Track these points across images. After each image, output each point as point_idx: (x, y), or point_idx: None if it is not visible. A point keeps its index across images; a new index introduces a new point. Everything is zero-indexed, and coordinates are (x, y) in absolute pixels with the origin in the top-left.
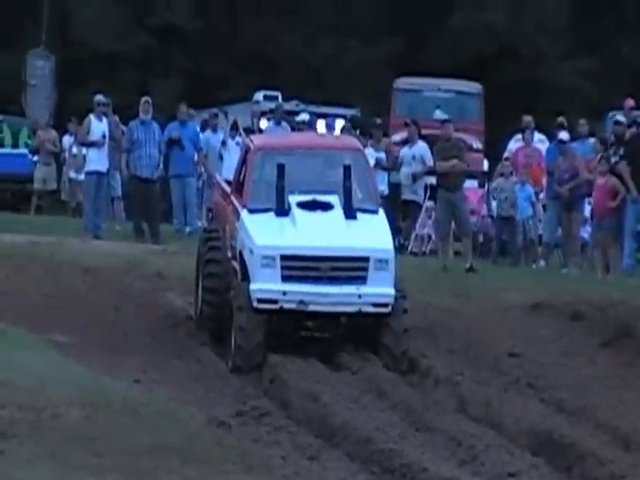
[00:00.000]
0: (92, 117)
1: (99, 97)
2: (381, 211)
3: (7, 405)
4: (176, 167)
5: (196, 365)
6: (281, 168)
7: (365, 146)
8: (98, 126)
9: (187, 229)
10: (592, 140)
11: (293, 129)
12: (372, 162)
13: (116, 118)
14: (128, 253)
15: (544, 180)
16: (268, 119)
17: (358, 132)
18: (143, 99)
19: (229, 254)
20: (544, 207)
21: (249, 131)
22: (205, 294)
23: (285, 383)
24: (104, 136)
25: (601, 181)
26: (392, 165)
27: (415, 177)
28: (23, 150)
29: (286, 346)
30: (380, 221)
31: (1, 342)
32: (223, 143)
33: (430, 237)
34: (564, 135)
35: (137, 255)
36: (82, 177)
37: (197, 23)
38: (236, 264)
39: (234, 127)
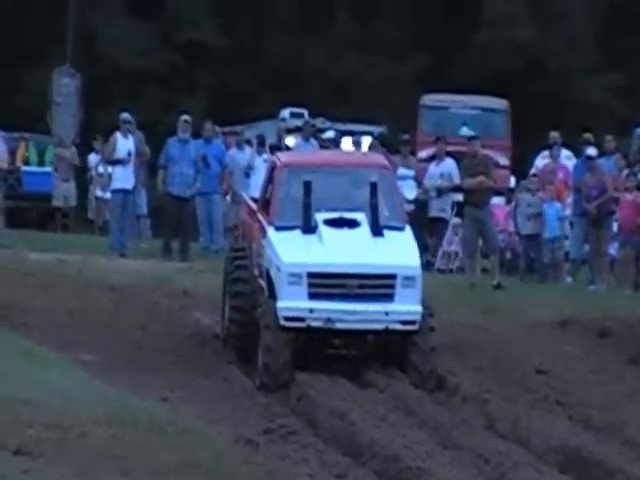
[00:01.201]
0: (118, 134)
1: (125, 115)
2: (408, 228)
3: (34, 424)
4: (202, 185)
5: (223, 383)
6: (308, 185)
7: (393, 164)
8: (124, 143)
9: (213, 247)
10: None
11: (319, 146)
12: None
13: (141, 135)
14: (154, 271)
15: (568, 196)
16: (294, 136)
17: (386, 149)
18: (182, 118)
19: (256, 272)
20: (570, 224)
21: (275, 148)
22: (232, 313)
23: (312, 401)
24: (130, 153)
25: (629, 197)
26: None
27: (440, 191)
28: (49, 168)
29: (313, 364)
30: (407, 238)
31: (28, 361)
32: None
33: (457, 254)
34: (592, 151)
35: (163, 273)
36: (108, 195)
37: (223, 40)
38: (263, 282)
39: (261, 144)
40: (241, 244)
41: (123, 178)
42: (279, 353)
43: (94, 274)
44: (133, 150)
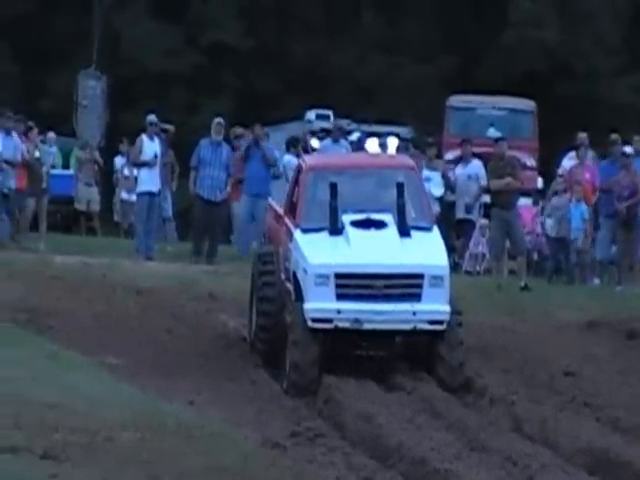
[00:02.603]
0: (144, 137)
1: (151, 117)
2: (435, 228)
3: (60, 428)
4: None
5: (250, 386)
6: (334, 187)
7: (419, 163)
8: (150, 146)
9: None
10: None
11: None
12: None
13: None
14: (180, 274)
15: (593, 197)
16: (319, 138)
17: (412, 150)
18: (216, 120)
19: (283, 276)
20: (598, 225)
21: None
22: (259, 318)
23: (339, 404)
24: (156, 156)
25: None
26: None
27: (470, 208)
28: (73, 171)
29: (341, 366)
30: (434, 238)
31: (54, 364)
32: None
33: (484, 256)
34: (628, 149)
35: (189, 276)
36: (134, 198)
37: (248, 42)
38: (290, 285)
39: (293, 145)
40: (268, 248)
41: (149, 180)
42: (307, 350)
43: (120, 277)
44: (159, 152)
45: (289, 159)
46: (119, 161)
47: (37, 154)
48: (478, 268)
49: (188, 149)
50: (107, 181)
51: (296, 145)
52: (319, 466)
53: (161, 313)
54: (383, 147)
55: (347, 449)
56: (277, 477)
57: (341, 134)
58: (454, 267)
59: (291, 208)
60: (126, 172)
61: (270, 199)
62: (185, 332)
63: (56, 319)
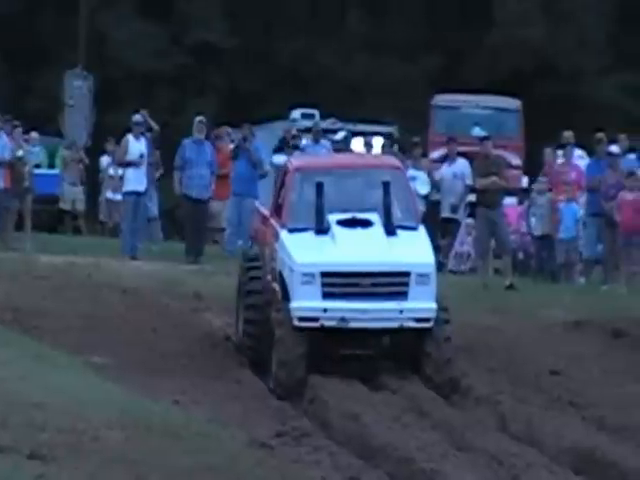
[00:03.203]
0: (130, 137)
1: (137, 117)
2: (421, 227)
3: (46, 428)
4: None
5: (235, 385)
6: (320, 187)
7: (404, 163)
8: (136, 146)
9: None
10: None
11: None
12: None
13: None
14: (165, 274)
15: (580, 196)
16: (301, 138)
17: (397, 148)
18: (197, 119)
19: (269, 276)
20: (584, 223)
21: (281, 148)
22: (246, 319)
23: (325, 403)
24: (142, 156)
25: (630, 197)
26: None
27: (455, 208)
28: (59, 171)
29: (326, 365)
30: (420, 237)
31: (39, 364)
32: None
33: (469, 255)
34: (614, 148)
35: (175, 275)
36: (119, 197)
37: (233, 41)
38: (276, 285)
39: (285, 144)
40: (254, 252)
41: (135, 180)
42: (294, 347)
43: (105, 277)
44: (145, 152)
45: (280, 159)
46: (105, 160)
47: (20, 153)
48: (463, 267)
49: (173, 149)
50: (92, 180)
51: (287, 145)
52: (305, 466)
53: (146, 312)
54: (369, 146)
55: (333, 448)
56: (264, 477)
57: (322, 134)
58: (439, 266)
59: (277, 209)
60: (111, 172)
61: (257, 202)
62: (170, 331)
63: (41, 319)
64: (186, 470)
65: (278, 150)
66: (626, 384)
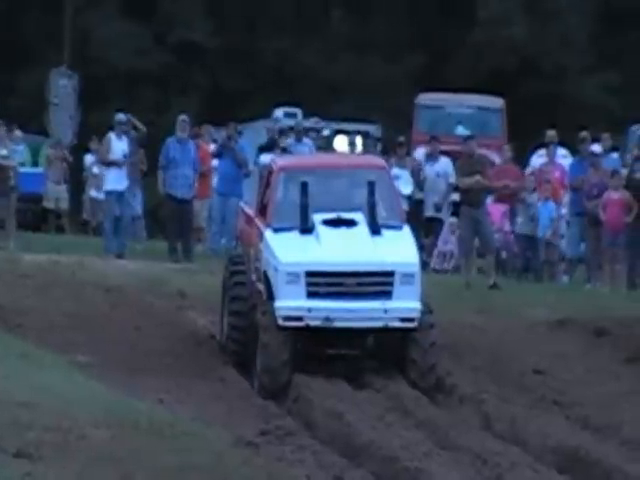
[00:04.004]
0: (112, 135)
1: (120, 115)
2: (406, 227)
3: (33, 426)
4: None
5: (219, 384)
6: (304, 186)
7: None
8: (118, 145)
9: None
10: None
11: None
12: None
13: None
14: (149, 272)
15: (564, 195)
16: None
17: (379, 148)
18: (180, 117)
19: (254, 277)
20: (567, 223)
21: (270, 148)
22: (231, 320)
23: (309, 402)
24: (125, 155)
25: (615, 196)
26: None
27: (439, 207)
28: (42, 169)
29: (310, 365)
30: (405, 236)
31: (24, 363)
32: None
33: (453, 254)
34: (596, 148)
35: (158, 274)
36: (102, 196)
37: (216, 40)
38: (261, 285)
39: (274, 144)
40: (239, 251)
41: (115, 180)
42: (278, 353)
43: (89, 275)
44: (127, 151)
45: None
46: (89, 159)
47: (4, 152)
48: (446, 266)
49: (158, 148)
50: (76, 179)
51: (277, 146)
52: (289, 464)
53: (130, 311)
54: (352, 145)
55: (317, 447)
56: (250, 476)
57: (303, 133)
58: (423, 265)
59: (262, 209)
60: (95, 170)
61: (241, 202)
62: (154, 330)
63: (25, 317)
64: (172, 469)
65: (266, 149)
66: (609, 383)
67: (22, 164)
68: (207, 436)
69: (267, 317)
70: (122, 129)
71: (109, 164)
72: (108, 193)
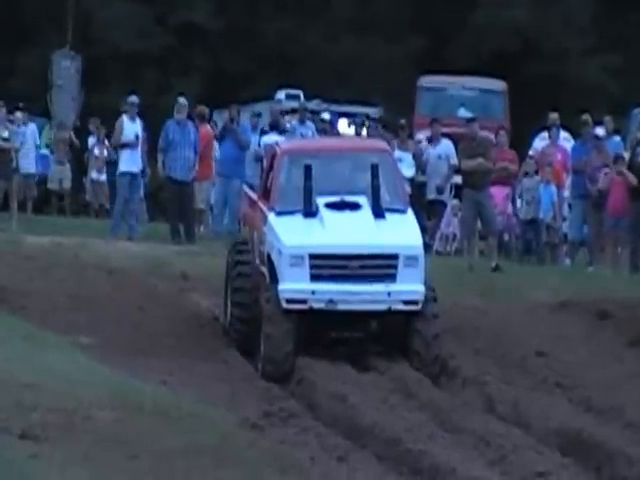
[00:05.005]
0: (125, 118)
1: (132, 97)
2: (410, 210)
3: (37, 408)
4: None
5: (222, 366)
6: (308, 169)
7: (390, 144)
8: (131, 127)
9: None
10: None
11: (316, 129)
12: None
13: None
14: (152, 254)
15: (566, 178)
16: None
17: (381, 130)
18: (179, 100)
19: (257, 260)
20: (569, 205)
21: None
22: (234, 309)
23: (312, 384)
24: (137, 137)
25: (618, 179)
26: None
27: (441, 189)
28: (45, 151)
29: (314, 347)
30: (409, 219)
31: (28, 344)
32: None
33: (455, 236)
34: (600, 131)
35: (161, 256)
36: (104, 178)
37: (218, 22)
38: (264, 268)
39: (278, 126)
40: (242, 237)
41: (130, 161)
42: (282, 344)
43: (92, 257)
44: (140, 133)
45: (271, 140)
46: (90, 141)
47: (6, 134)
48: (449, 249)
49: (159, 129)
50: (78, 161)
51: (281, 128)
52: (292, 446)
53: (133, 293)
54: (357, 127)
55: (320, 429)
56: (256, 457)
57: (306, 115)
58: (425, 248)
59: (265, 192)
60: (97, 152)
61: (244, 186)
62: (157, 312)
63: (28, 299)
64: (178, 450)
65: (270, 130)
66: (612, 365)
67: (38, 147)
68: (212, 418)
69: (271, 305)
70: (134, 111)
71: (122, 146)
72: (122, 175)
